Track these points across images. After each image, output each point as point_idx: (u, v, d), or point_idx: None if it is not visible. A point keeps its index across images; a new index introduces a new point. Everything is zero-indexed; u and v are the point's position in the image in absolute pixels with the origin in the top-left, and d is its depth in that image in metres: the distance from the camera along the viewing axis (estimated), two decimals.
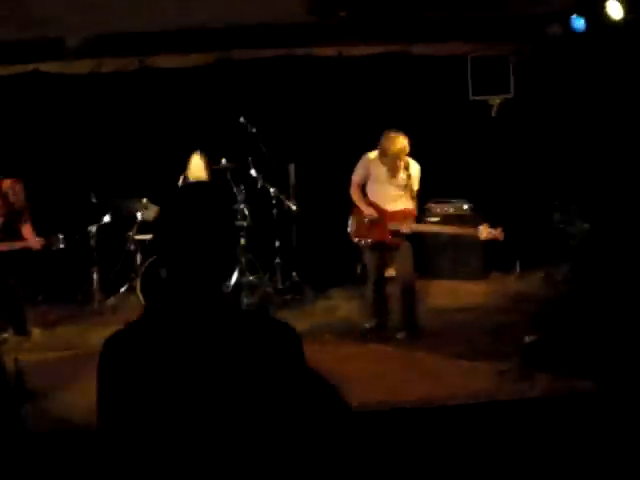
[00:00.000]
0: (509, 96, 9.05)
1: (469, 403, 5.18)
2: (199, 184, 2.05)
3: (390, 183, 6.80)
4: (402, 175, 6.75)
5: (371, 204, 6.91)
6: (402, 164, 6.71)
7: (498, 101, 9.08)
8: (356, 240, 7.00)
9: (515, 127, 9.10)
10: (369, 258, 7.03)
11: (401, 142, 6.64)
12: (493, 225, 6.60)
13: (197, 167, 7.91)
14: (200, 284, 1.93)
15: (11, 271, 7.21)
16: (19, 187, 7.15)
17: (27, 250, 7.16)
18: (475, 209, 9.03)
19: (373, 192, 6.93)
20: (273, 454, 1.66)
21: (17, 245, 7.07)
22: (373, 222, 6.86)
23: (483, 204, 9.04)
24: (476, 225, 6.73)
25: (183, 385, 1.82)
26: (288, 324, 1.99)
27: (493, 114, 9.14)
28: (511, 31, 8.72)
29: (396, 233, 6.77)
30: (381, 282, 7.05)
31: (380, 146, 6.76)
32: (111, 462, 1.87)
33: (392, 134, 6.69)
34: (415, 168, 6.84)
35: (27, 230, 7.17)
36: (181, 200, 2.00)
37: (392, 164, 6.73)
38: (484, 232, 6.57)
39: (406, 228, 6.74)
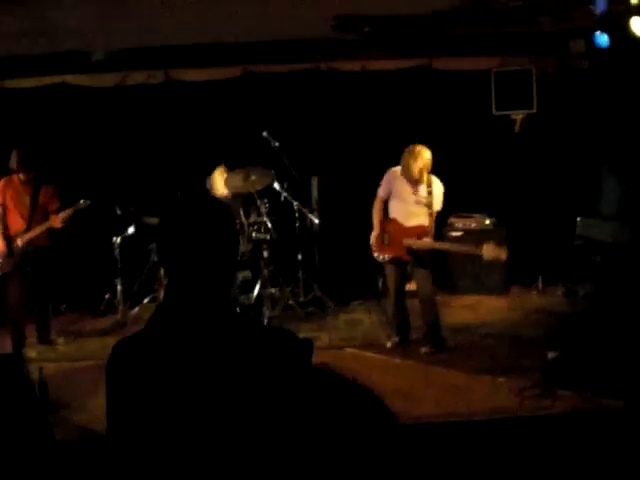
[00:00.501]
0: (532, 111, 9.04)
1: (491, 419, 5.18)
2: (199, 198, 2.07)
3: (410, 199, 6.81)
4: (423, 192, 6.76)
5: (386, 223, 6.98)
6: (424, 178, 6.73)
7: (521, 116, 9.07)
8: (376, 255, 7.03)
9: (538, 142, 9.09)
10: (389, 272, 7.07)
11: (423, 157, 6.67)
12: (506, 239, 6.55)
13: (218, 182, 7.99)
14: (200, 293, 1.96)
15: (45, 274, 7.35)
16: (52, 191, 7.33)
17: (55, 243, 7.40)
18: (498, 224, 9.02)
19: (394, 208, 6.96)
20: (283, 461, 1.67)
21: (40, 229, 7.18)
22: (391, 238, 6.91)
23: (505, 219, 9.04)
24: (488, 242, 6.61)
25: (187, 392, 1.85)
26: (289, 331, 2.02)
27: (516, 129, 9.13)
28: (535, 46, 8.73)
29: (411, 249, 6.80)
30: (401, 296, 7.06)
31: (402, 160, 6.79)
32: (119, 466, 1.90)
33: (414, 148, 6.72)
34: (438, 187, 6.83)
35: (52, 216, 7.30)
36: (177, 213, 2.03)
37: (413, 178, 6.74)
38: (487, 250, 6.48)
39: (419, 245, 6.76)
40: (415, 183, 6.76)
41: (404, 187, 6.82)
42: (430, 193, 6.73)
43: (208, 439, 1.83)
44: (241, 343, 1.93)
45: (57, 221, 7.14)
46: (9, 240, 7.11)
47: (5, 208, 7.15)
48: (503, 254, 6.34)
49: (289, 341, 2.00)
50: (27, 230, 7.13)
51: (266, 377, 1.86)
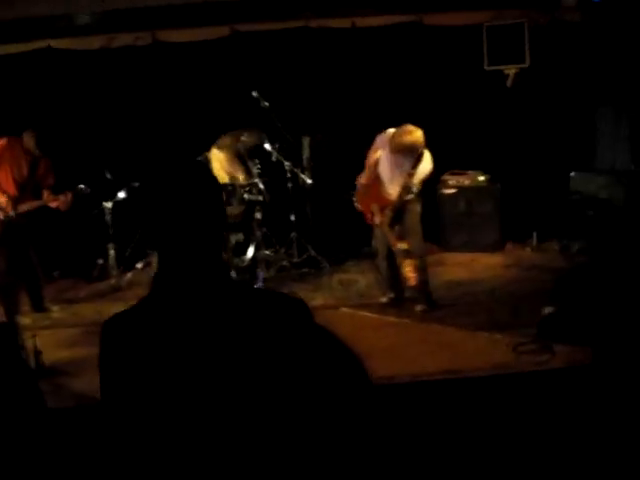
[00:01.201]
0: (525, 65, 8.95)
1: (488, 375, 5.17)
2: (182, 163, 1.97)
3: (398, 166, 6.69)
4: (407, 167, 6.60)
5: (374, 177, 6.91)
6: (412, 156, 6.58)
7: (514, 71, 8.98)
8: (356, 205, 7.05)
9: (531, 97, 9.01)
10: (376, 231, 7.02)
11: (408, 137, 6.48)
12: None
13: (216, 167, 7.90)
14: (189, 264, 1.89)
15: (30, 242, 7.29)
16: (49, 166, 7.26)
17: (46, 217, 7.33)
18: (491, 180, 8.98)
19: (382, 165, 6.84)
20: (285, 429, 1.64)
21: (34, 205, 7.14)
22: (365, 193, 6.89)
23: (500, 175, 8.99)
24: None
25: (184, 367, 1.80)
26: (290, 295, 1.98)
27: (508, 84, 9.05)
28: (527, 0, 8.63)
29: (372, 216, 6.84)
30: (391, 254, 7.02)
31: (392, 136, 6.65)
32: (114, 447, 1.86)
33: (404, 127, 6.53)
34: (425, 165, 6.62)
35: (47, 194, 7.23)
36: (158, 181, 1.95)
37: (398, 153, 6.62)
38: (408, 265, 6.62)
39: (377, 219, 6.76)
40: (404, 155, 6.62)
41: (394, 154, 6.68)
42: (411, 175, 6.58)
43: (213, 414, 1.79)
44: (240, 310, 1.88)
45: (54, 203, 7.13)
46: None
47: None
48: (412, 280, 6.65)
49: (286, 304, 1.96)
50: (17, 199, 7.04)
51: (268, 344, 1.82)
